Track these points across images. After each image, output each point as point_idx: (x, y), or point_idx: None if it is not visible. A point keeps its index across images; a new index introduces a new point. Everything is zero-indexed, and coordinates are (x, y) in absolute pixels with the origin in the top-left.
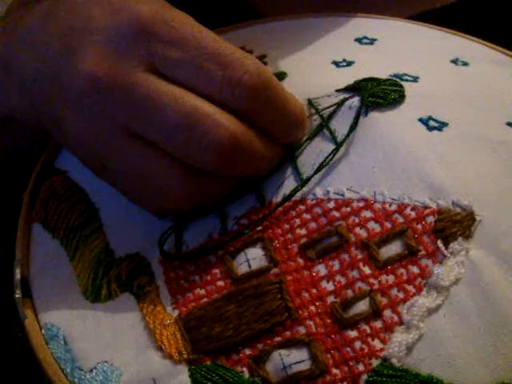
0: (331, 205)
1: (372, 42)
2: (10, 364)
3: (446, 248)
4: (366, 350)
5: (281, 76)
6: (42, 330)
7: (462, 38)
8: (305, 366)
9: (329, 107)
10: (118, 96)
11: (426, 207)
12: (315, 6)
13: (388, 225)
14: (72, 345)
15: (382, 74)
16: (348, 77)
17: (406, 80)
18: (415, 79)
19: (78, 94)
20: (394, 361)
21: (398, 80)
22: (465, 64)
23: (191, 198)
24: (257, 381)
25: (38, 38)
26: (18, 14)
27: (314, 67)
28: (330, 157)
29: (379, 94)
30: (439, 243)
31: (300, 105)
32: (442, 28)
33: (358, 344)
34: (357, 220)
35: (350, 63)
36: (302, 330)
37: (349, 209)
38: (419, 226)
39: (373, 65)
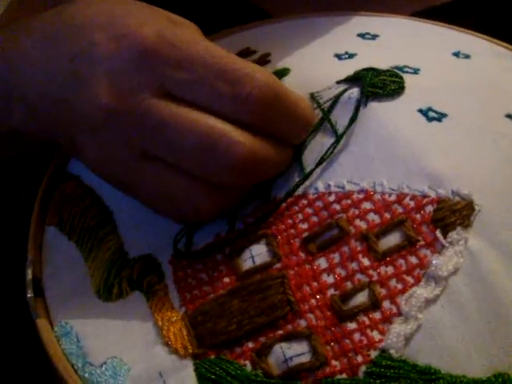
0: (332, 198)
1: (374, 37)
2: (19, 361)
3: (445, 238)
4: (365, 342)
5: (284, 72)
6: (55, 328)
7: (463, 32)
8: (305, 358)
9: (329, 100)
10: (133, 124)
11: (424, 196)
12: (322, 6)
13: (387, 215)
14: (84, 341)
15: (383, 65)
16: (350, 69)
17: (407, 72)
18: (416, 71)
19: (94, 126)
20: (392, 352)
21: (397, 71)
22: (466, 57)
23: (213, 210)
24: (259, 373)
25: (40, 59)
26: (15, 28)
27: (316, 61)
28: (331, 150)
29: (378, 85)
30: (438, 233)
31: (308, 105)
32: (443, 24)
33: (357, 336)
34: (357, 212)
35: (351, 56)
36: (302, 323)
37: (349, 201)
38: (418, 216)
39: (374, 57)
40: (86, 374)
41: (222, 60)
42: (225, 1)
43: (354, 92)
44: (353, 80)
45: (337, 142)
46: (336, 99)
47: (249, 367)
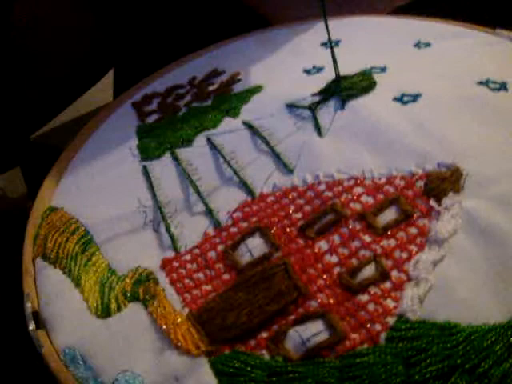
0: (322, 187)
1: (337, 43)
2: None
3: (439, 205)
4: (380, 311)
5: (257, 89)
6: (61, 356)
7: (421, 20)
8: (323, 336)
9: (309, 105)
10: None
11: (413, 175)
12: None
13: (380, 196)
14: (90, 362)
15: (351, 72)
16: (320, 82)
17: (375, 72)
18: (383, 69)
19: None
20: (409, 315)
21: (366, 72)
22: (427, 45)
23: None
24: (278, 360)
25: None
26: None
27: (287, 78)
28: None
29: (350, 86)
30: (432, 202)
31: None
32: (399, 15)
33: (371, 306)
34: (350, 196)
35: (319, 69)
36: (313, 303)
37: (340, 188)
38: (410, 192)
39: (342, 67)
40: None
41: None
42: (225, 7)
43: (331, 100)
44: (326, 91)
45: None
46: (321, 100)
47: (266, 356)
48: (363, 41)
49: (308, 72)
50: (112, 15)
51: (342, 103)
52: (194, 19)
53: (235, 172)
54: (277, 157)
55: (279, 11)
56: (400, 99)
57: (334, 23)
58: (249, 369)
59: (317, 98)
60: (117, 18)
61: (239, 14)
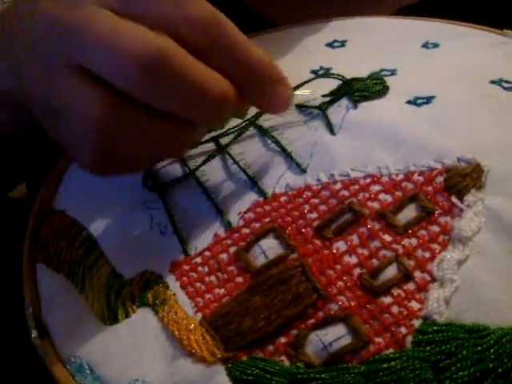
0: (338, 186)
1: (343, 43)
2: None
3: (461, 202)
4: (405, 313)
5: None
6: (67, 365)
7: (427, 21)
8: (346, 340)
9: (319, 105)
10: (72, 34)
11: (432, 169)
12: (320, 11)
13: (399, 193)
14: (98, 371)
15: (360, 74)
16: (329, 83)
17: (385, 75)
18: (393, 72)
19: (33, 39)
20: (435, 317)
21: (378, 75)
22: (435, 46)
23: (109, 129)
24: (299, 366)
25: None
26: None
27: (294, 79)
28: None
29: (363, 88)
30: (453, 199)
31: (267, 58)
32: (405, 17)
33: (395, 309)
34: (367, 195)
35: (327, 70)
36: (334, 306)
37: (357, 186)
38: (430, 188)
39: (349, 68)
40: None
41: None
42: (227, 9)
43: (343, 100)
44: (337, 92)
45: None
46: (331, 101)
47: (286, 363)
48: (370, 41)
49: (315, 73)
50: None
51: (354, 104)
52: None
53: (245, 172)
54: (288, 156)
55: (282, 13)
56: (414, 102)
57: (339, 23)
58: (268, 376)
59: (327, 99)
60: None
61: (241, 14)
